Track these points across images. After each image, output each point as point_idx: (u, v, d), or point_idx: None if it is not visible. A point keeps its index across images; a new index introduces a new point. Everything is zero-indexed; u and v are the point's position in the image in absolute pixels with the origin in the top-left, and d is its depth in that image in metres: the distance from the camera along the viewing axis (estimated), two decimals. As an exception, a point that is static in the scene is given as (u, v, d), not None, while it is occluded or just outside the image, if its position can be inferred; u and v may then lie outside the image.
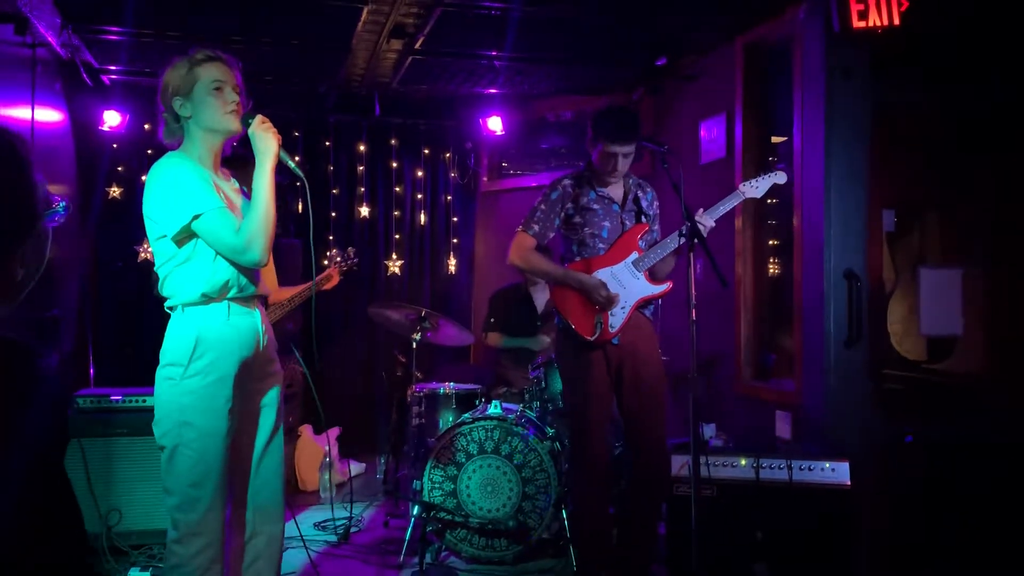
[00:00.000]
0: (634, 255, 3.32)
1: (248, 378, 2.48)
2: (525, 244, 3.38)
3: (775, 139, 4.46)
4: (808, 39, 3.85)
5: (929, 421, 3.78)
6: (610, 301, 3.25)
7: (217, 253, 2.40)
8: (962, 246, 4.26)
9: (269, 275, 2.76)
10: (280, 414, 2.60)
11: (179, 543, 2.39)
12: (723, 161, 4.57)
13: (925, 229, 4.34)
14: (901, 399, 3.84)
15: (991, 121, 3.96)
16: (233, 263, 2.42)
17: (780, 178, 3.35)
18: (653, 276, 3.36)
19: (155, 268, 2.48)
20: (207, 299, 2.42)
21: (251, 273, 2.49)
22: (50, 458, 3.78)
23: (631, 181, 3.44)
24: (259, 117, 2.44)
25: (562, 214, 3.38)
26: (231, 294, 2.44)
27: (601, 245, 3.35)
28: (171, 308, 2.46)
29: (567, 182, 3.41)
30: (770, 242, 4.52)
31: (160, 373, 2.42)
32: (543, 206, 3.40)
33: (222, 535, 2.45)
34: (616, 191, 3.40)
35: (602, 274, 3.29)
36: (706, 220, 3.21)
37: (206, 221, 2.36)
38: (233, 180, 2.62)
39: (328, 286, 4.04)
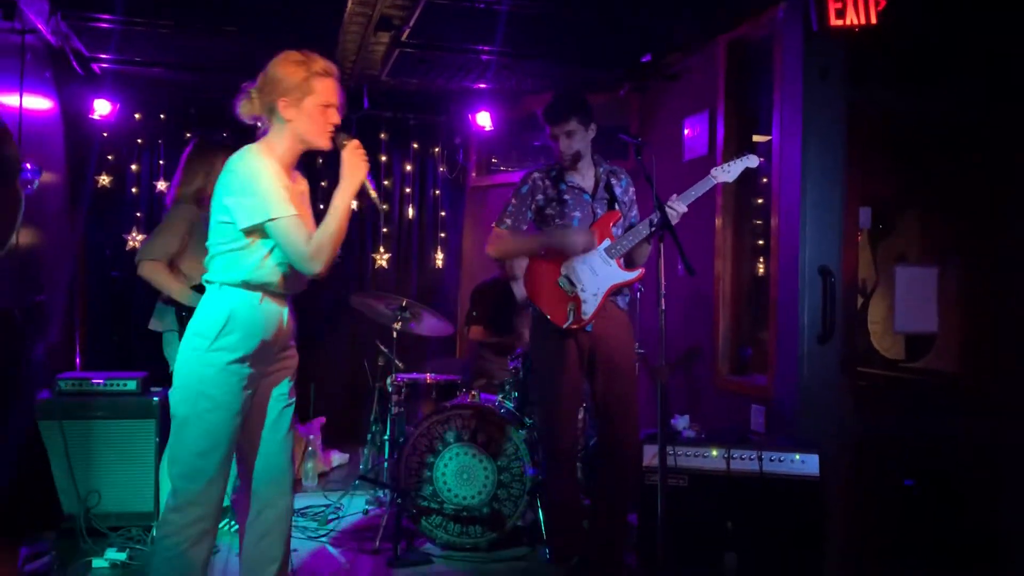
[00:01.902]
0: (607, 242, 3.36)
1: (266, 361, 2.58)
2: (500, 235, 3.44)
3: (757, 138, 4.51)
4: (787, 38, 3.90)
5: (902, 416, 3.83)
6: (589, 245, 3.28)
7: (284, 257, 2.50)
8: (938, 244, 4.31)
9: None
10: (291, 394, 2.70)
11: (176, 511, 2.46)
12: (705, 158, 4.62)
13: (902, 227, 4.39)
14: (873, 394, 3.88)
15: (967, 120, 4.01)
16: (292, 267, 2.52)
17: (751, 162, 3.37)
18: (628, 263, 3.40)
19: (207, 244, 2.57)
20: (246, 286, 2.52)
21: (297, 279, 2.58)
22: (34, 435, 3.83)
23: (602, 169, 3.48)
24: (354, 142, 2.55)
25: (533, 206, 3.43)
26: (269, 289, 2.55)
27: (559, 229, 3.39)
28: (209, 283, 2.55)
29: (536, 175, 3.46)
30: (751, 241, 4.57)
31: (186, 343, 2.51)
32: (514, 200, 3.46)
33: (219, 509, 2.53)
34: (586, 181, 3.45)
35: (575, 262, 3.33)
36: (677, 205, 3.23)
37: (282, 226, 2.45)
38: (303, 182, 2.71)
39: None
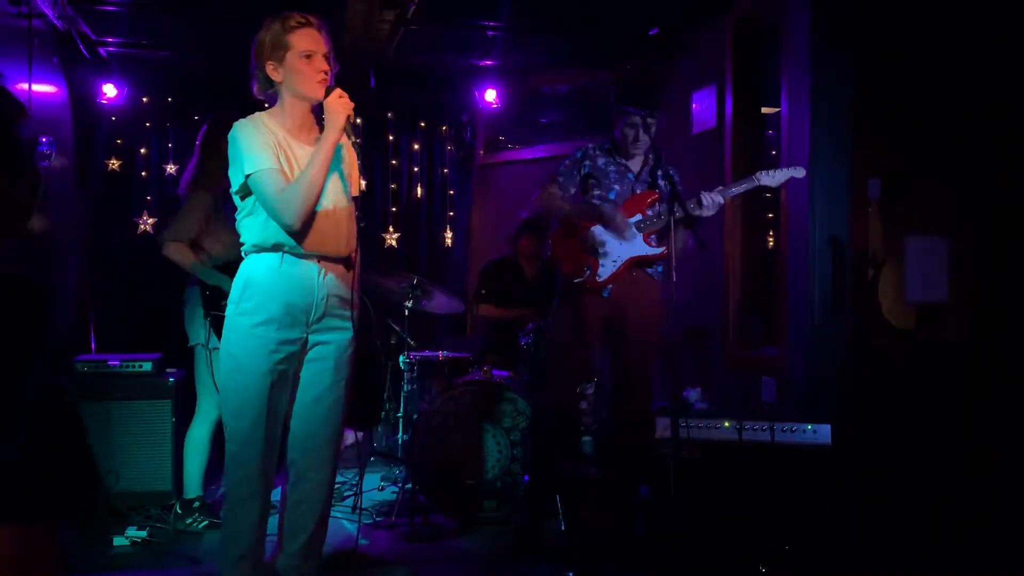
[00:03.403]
0: (637, 216, 3.45)
1: (298, 325, 2.57)
2: (551, 191, 3.56)
3: (766, 110, 4.50)
4: (795, 9, 3.87)
5: (912, 387, 3.83)
6: (623, 225, 3.36)
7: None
8: (948, 215, 4.29)
9: (349, 237, 2.72)
10: (340, 366, 2.66)
11: (227, 471, 2.60)
12: (713, 131, 4.61)
13: (912, 197, 4.37)
14: (884, 364, 3.89)
15: (977, 89, 3.98)
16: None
17: (799, 172, 3.43)
18: (659, 241, 3.44)
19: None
20: (260, 249, 2.56)
21: (300, 233, 2.54)
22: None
23: (650, 159, 3.55)
24: (337, 90, 2.53)
25: (582, 172, 3.54)
26: (285, 249, 2.55)
27: (607, 205, 3.44)
28: (245, 253, 2.62)
29: (591, 145, 3.59)
30: (761, 214, 4.56)
31: (226, 311, 2.62)
32: (568, 162, 3.58)
33: (264, 472, 2.58)
34: (634, 163, 3.55)
35: (599, 230, 3.40)
36: (716, 196, 3.33)
37: (255, 180, 2.49)
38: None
39: None
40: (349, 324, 2.69)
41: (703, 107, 4.74)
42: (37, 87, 4.54)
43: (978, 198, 4.06)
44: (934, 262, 4.16)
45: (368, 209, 6.34)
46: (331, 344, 2.65)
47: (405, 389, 4.31)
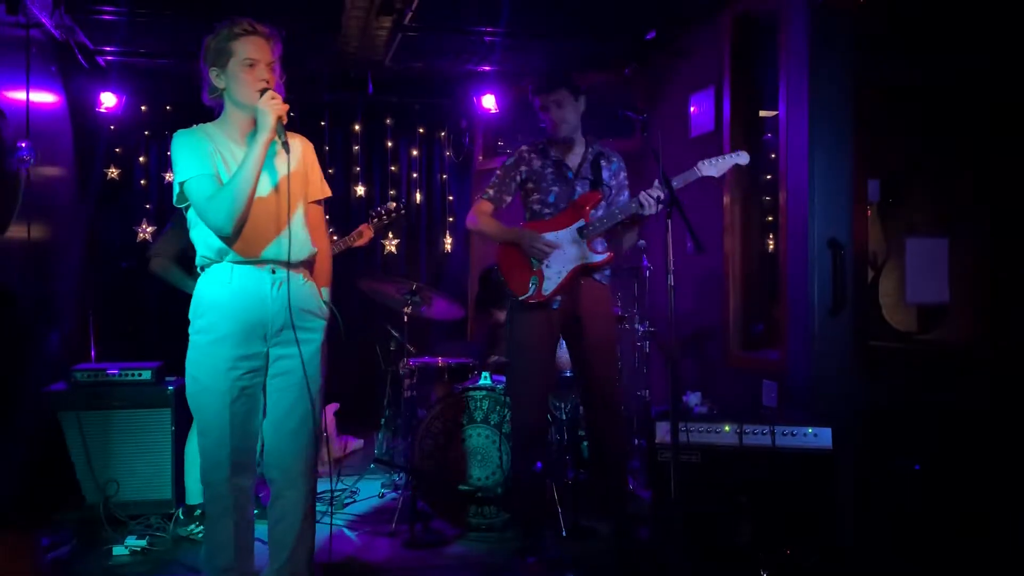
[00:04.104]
0: (580, 222, 3.36)
1: (255, 340, 2.53)
2: (481, 209, 3.46)
3: (764, 113, 4.49)
4: (792, 11, 3.86)
5: (913, 387, 3.82)
6: (544, 252, 3.29)
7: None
8: (947, 216, 4.28)
9: (305, 242, 2.66)
10: (308, 380, 2.58)
11: (203, 490, 2.61)
12: (712, 134, 4.60)
13: (911, 198, 4.36)
14: (885, 366, 3.87)
15: (974, 89, 3.97)
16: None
17: (742, 159, 3.30)
18: (614, 246, 3.41)
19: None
20: (209, 261, 2.53)
21: (241, 239, 2.47)
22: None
23: (591, 149, 3.47)
24: (269, 93, 2.48)
25: (517, 179, 3.45)
26: (229, 258, 2.50)
27: (547, 211, 3.42)
28: (199, 267, 2.60)
29: (524, 148, 3.49)
30: (760, 217, 4.55)
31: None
32: (499, 172, 3.49)
33: (235, 489, 2.57)
34: (573, 158, 3.45)
35: (546, 238, 3.35)
36: (654, 193, 3.18)
37: (188, 186, 2.47)
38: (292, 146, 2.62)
39: (361, 242, 4.12)
40: (313, 335, 2.63)
41: (701, 110, 4.74)
42: (35, 97, 4.54)
43: (979, 198, 4.05)
44: (934, 262, 4.15)
45: (367, 215, 6.32)
46: (294, 358, 2.58)
47: (405, 396, 4.30)
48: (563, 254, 3.34)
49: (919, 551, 3.51)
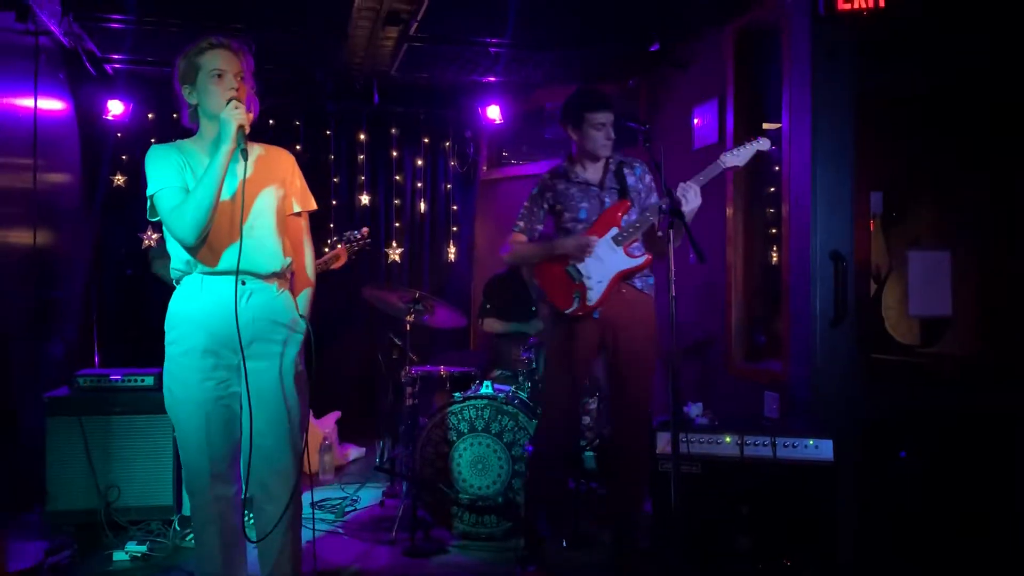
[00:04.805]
0: (614, 230, 3.37)
1: (225, 352, 2.52)
2: (516, 240, 3.52)
3: (767, 125, 4.49)
4: (795, 23, 3.88)
5: (915, 399, 3.81)
6: (583, 249, 3.30)
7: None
8: (950, 228, 4.28)
9: (276, 253, 2.64)
10: (283, 395, 2.56)
11: (188, 499, 2.67)
12: (715, 146, 4.61)
13: (914, 211, 4.37)
14: (887, 378, 3.87)
15: (976, 101, 3.98)
16: (211, 241, 2.50)
17: (763, 145, 3.25)
18: (642, 250, 3.41)
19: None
20: (182, 273, 2.56)
21: (206, 249, 2.49)
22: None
23: (611, 161, 3.49)
24: (233, 103, 2.48)
25: (545, 206, 3.49)
26: (199, 269, 2.52)
27: (581, 226, 3.42)
28: (174, 280, 2.61)
29: (545, 176, 3.52)
30: (763, 228, 4.56)
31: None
32: (527, 203, 3.53)
33: (213, 500, 2.57)
34: (593, 175, 3.47)
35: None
36: (690, 193, 3.13)
37: (157, 199, 2.50)
38: (268, 159, 2.66)
39: (336, 265, 4.09)
40: (285, 349, 2.59)
41: (705, 122, 4.75)
42: (43, 103, 4.58)
43: (981, 209, 4.05)
44: (937, 275, 4.15)
45: (371, 224, 6.37)
46: (265, 372, 2.56)
47: (407, 404, 4.30)
48: (601, 264, 3.36)
49: (920, 563, 3.49)
